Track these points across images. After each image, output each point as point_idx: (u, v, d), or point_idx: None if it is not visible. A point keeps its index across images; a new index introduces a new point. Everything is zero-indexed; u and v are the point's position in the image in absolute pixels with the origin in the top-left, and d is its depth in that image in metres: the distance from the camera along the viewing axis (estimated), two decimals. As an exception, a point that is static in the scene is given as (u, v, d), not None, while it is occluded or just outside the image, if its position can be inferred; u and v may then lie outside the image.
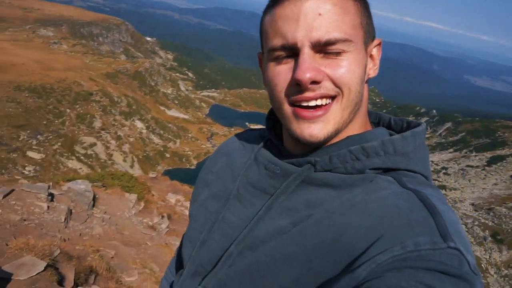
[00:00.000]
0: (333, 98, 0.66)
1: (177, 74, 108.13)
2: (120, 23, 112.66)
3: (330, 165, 0.67)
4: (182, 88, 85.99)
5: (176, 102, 78.73)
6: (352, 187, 0.65)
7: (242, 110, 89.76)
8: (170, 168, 53.21)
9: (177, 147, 60.02)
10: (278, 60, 0.68)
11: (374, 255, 0.54)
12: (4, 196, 5.27)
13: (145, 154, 53.85)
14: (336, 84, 0.65)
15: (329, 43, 0.63)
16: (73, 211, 6.19)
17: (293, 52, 0.66)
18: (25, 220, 4.99)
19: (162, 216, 8.47)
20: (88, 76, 59.43)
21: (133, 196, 8.17)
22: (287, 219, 0.67)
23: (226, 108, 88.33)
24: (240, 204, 0.77)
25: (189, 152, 59.09)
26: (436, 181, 59.52)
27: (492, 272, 40.28)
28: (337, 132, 0.68)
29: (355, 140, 0.70)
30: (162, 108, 72.80)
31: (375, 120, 0.81)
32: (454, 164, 65.11)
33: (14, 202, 5.26)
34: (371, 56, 0.72)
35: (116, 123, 54.70)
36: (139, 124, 58.67)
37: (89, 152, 47.11)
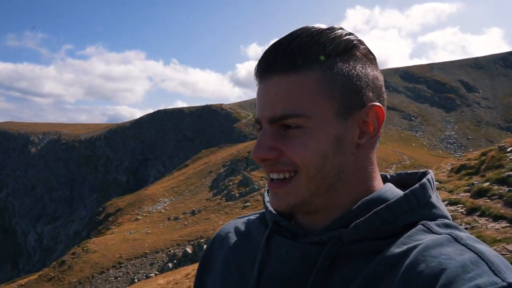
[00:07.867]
0: (296, 172, 0.66)
1: None
2: None
3: (359, 234, 0.63)
4: None
5: None
6: (387, 250, 0.61)
7: None
8: None
9: None
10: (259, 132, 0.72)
11: None
12: None
13: None
14: (290, 161, 0.65)
15: (283, 118, 0.64)
16: None
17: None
18: None
19: None
20: None
21: None
22: None
23: None
24: None
25: None
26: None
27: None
28: (305, 202, 0.66)
29: (373, 200, 0.66)
30: None
31: None
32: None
33: None
34: (364, 122, 0.68)
35: None
36: None
37: None
